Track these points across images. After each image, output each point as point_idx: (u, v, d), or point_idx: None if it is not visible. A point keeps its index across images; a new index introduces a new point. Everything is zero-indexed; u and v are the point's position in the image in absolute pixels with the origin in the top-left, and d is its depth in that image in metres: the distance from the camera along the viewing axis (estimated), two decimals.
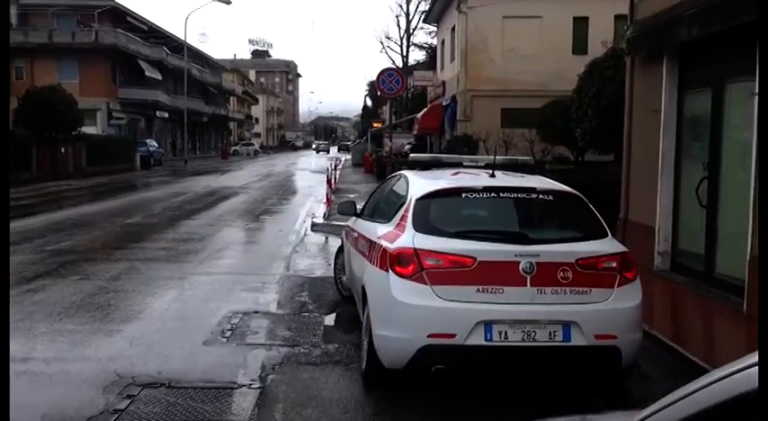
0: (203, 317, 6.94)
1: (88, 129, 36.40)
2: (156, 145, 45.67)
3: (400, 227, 5.26)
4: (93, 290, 7.91)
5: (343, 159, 50.42)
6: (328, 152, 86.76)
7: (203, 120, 69.89)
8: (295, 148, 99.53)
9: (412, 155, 7.08)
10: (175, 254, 10.68)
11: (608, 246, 5.08)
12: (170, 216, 15.92)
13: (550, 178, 5.74)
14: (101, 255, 10.20)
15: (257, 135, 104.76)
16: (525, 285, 4.79)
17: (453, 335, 4.75)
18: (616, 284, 4.92)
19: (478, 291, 4.78)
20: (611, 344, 4.84)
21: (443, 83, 30.46)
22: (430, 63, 40.49)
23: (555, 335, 4.79)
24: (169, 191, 23.46)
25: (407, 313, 4.85)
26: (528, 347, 4.75)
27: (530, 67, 23.25)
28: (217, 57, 75.72)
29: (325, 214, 15.37)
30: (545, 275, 4.80)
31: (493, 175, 5.61)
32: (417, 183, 5.64)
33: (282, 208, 17.64)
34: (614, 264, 4.95)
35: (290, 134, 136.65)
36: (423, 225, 5.11)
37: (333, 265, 8.28)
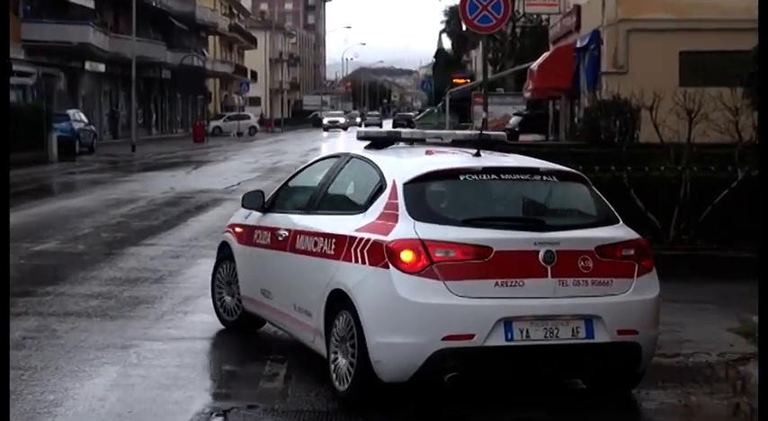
0: (163, 417, 7.13)
1: None
2: (84, 119, 47.00)
3: (387, 216, 7.12)
4: None
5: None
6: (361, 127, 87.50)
7: (164, 75, 71.55)
8: (320, 124, 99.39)
9: (360, 129, 9.03)
10: (116, 304, 10.83)
11: (623, 232, 7.32)
12: (106, 240, 16.20)
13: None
14: None
15: (255, 102, 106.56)
16: (546, 276, 6.83)
17: (472, 336, 6.66)
18: (636, 274, 7.11)
19: (497, 284, 6.75)
20: (633, 341, 7.04)
21: (577, 9, 30.25)
22: None
23: (578, 332, 6.89)
24: (106, 197, 23.88)
25: (419, 314, 6.69)
26: (551, 346, 6.83)
27: None
28: None
29: None
30: (565, 265, 6.86)
31: (478, 154, 7.64)
32: (394, 165, 7.60)
33: None
34: (632, 252, 7.13)
35: (312, 99, 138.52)
36: (422, 212, 7.03)
37: (211, 284, 10.01)
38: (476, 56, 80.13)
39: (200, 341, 9.38)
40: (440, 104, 50.73)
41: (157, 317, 10.29)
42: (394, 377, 6.85)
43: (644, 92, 17.80)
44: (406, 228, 6.94)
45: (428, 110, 52.22)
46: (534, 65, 33.16)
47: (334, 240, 7.50)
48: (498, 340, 6.75)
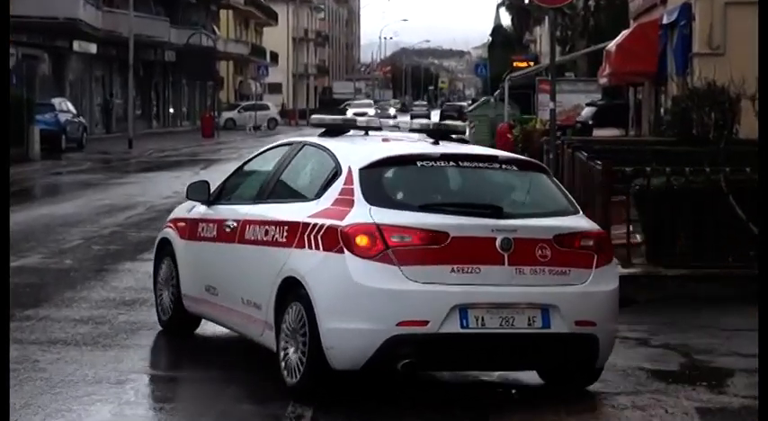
0: None
1: None
2: (71, 109, 47.48)
3: (342, 202, 8.26)
4: None
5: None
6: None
7: (167, 58, 71.89)
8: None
9: (315, 116, 10.12)
10: (110, 331, 10.89)
11: (583, 222, 8.63)
12: (98, 254, 16.35)
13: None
14: None
15: (275, 89, 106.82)
16: (503, 264, 8.02)
17: (426, 323, 7.81)
18: (594, 265, 8.34)
19: (453, 271, 7.92)
20: (590, 333, 8.23)
21: None
22: None
23: (534, 321, 8.08)
24: (97, 202, 24.08)
25: (373, 299, 7.79)
26: (506, 335, 8.03)
27: None
28: None
29: None
30: (523, 253, 8.06)
31: (436, 143, 9.00)
32: (350, 152, 8.80)
33: None
34: (591, 243, 8.38)
35: (343, 86, 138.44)
36: (378, 198, 8.19)
37: (153, 284, 11.15)
38: (541, 34, 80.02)
39: (210, 374, 9.41)
40: (497, 92, 50.45)
41: (159, 346, 10.31)
42: (346, 365, 7.94)
43: (744, 78, 17.73)
44: (362, 212, 8.10)
45: (483, 99, 51.91)
46: (611, 45, 33.03)
47: (286, 228, 8.62)
48: (453, 327, 7.90)
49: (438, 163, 8.55)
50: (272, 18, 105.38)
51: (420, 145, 9.03)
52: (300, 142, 9.64)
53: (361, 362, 7.88)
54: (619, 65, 31.94)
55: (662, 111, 29.25)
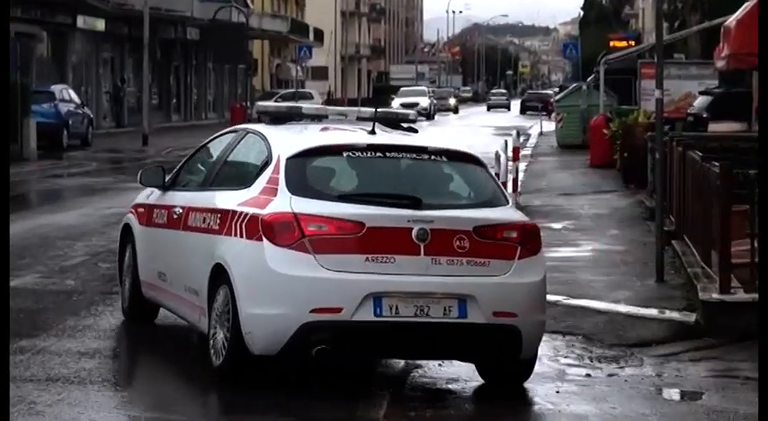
0: None
1: None
2: (74, 98, 47.53)
3: (268, 190, 10.01)
4: None
5: (533, 133, 50.46)
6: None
7: (190, 36, 71.94)
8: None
9: (260, 104, 13.10)
10: (120, 366, 10.99)
11: (509, 214, 10.31)
12: (107, 272, 16.20)
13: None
14: None
15: (320, 74, 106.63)
16: (418, 254, 9.64)
17: (339, 310, 9.48)
18: (517, 256, 9.92)
19: (367, 260, 9.57)
20: (511, 324, 9.79)
21: None
22: None
23: (450, 311, 9.70)
24: (105, 211, 24.03)
25: (287, 286, 9.53)
26: (421, 323, 9.63)
27: None
28: None
29: None
30: (440, 244, 9.67)
31: (373, 132, 10.65)
32: (282, 140, 10.59)
33: None
34: (514, 235, 9.98)
35: (403, 70, 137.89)
36: (300, 187, 9.90)
37: (118, 270, 13.32)
38: (643, 7, 79.65)
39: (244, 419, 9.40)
40: (590, 78, 50.18)
41: (179, 384, 10.33)
42: (264, 349, 9.64)
43: None
44: (283, 202, 9.83)
45: (573, 86, 51.29)
46: (731, 20, 32.77)
47: (219, 215, 10.47)
48: (367, 315, 9.56)
49: (365, 153, 10.26)
50: None
51: (356, 134, 10.73)
52: (244, 129, 11.72)
53: (278, 347, 9.59)
54: (740, 45, 31.69)
55: None
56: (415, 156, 10.40)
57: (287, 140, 10.59)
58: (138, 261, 12.41)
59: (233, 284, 9.81)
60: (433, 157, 10.39)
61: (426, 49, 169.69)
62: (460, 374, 10.85)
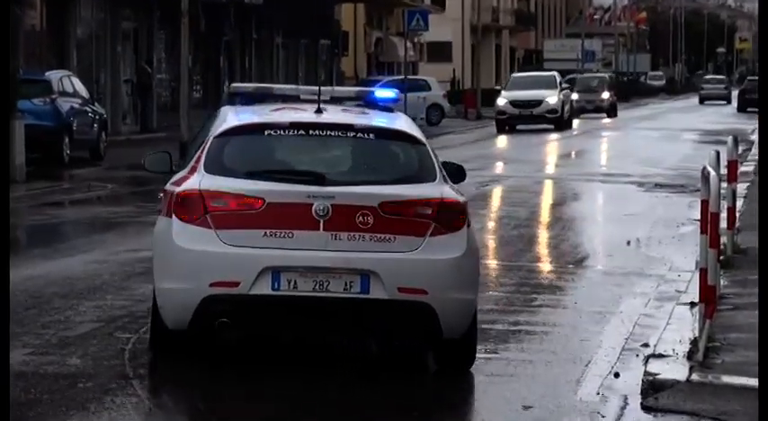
0: None
1: None
2: (79, 90, 41.23)
3: (193, 169, 11.57)
4: None
5: (757, 139, 45.35)
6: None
7: (249, 0, 59.29)
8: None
9: (235, 85, 15.66)
10: None
11: (427, 190, 11.37)
12: (125, 347, 13.33)
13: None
14: None
15: (440, 53, 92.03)
16: (318, 230, 10.94)
17: (237, 284, 10.94)
18: (429, 233, 11.06)
19: (265, 235, 10.98)
20: (420, 300, 10.98)
21: None
22: None
23: (351, 286, 10.99)
24: (124, 256, 20.66)
25: (189, 260, 11.08)
26: (320, 298, 10.99)
27: None
28: None
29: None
30: (341, 220, 10.96)
31: (319, 111, 11.96)
32: (226, 119, 12.16)
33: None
34: (429, 211, 11.12)
35: (561, 48, 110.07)
36: (215, 166, 11.42)
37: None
38: None
39: None
40: None
41: None
42: (175, 323, 11.04)
43: None
44: (195, 180, 11.13)
45: None
46: None
47: (162, 195, 12.14)
48: (264, 289, 10.76)
49: (287, 131, 11.48)
50: None
51: (295, 114, 11.97)
52: (219, 110, 12.69)
53: (186, 321, 10.87)
54: None
55: None
56: (339, 133, 11.62)
57: (226, 120, 11.92)
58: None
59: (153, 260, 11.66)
60: (358, 135, 11.55)
61: (598, 17, 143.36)
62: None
